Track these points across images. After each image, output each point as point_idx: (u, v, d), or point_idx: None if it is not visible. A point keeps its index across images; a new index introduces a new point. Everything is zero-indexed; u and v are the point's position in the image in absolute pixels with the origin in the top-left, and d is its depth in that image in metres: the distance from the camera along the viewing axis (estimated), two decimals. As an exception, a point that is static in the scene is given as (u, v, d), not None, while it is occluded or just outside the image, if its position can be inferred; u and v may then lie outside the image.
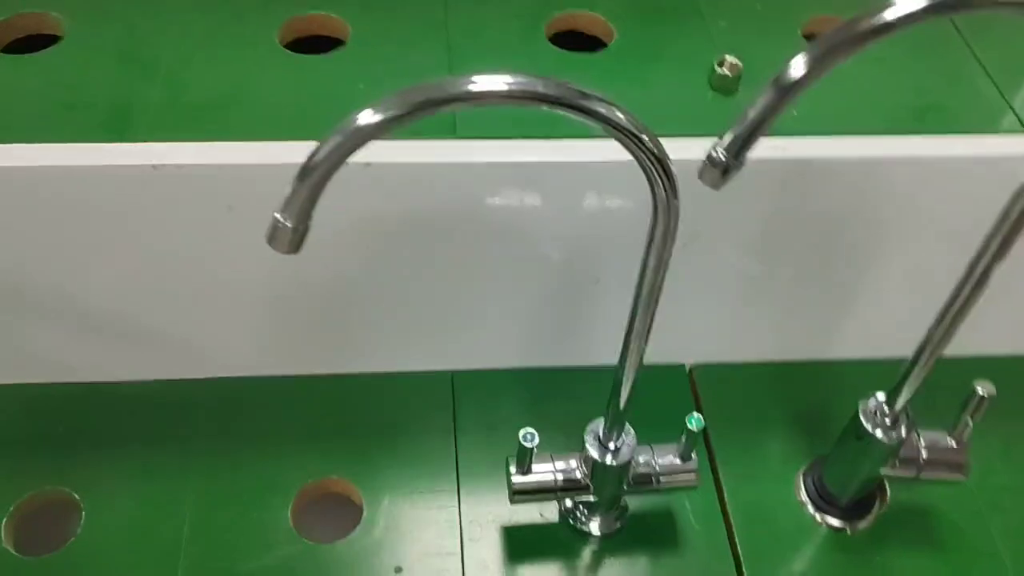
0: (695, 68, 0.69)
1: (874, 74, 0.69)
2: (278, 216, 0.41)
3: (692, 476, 0.63)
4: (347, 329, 0.73)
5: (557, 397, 0.75)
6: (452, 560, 0.65)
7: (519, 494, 0.62)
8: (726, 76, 0.66)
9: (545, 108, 0.40)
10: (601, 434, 0.61)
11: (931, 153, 0.65)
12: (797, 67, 0.38)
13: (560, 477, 0.62)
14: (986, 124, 0.67)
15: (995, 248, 0.51)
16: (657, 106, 0.65)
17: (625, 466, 0.61)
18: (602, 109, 0.41)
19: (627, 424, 0.60)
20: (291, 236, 0.41)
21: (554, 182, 0.63)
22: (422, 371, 0.75)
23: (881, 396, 0.62)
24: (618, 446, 0.60)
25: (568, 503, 0.67)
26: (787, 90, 0.38)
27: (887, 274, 0.73)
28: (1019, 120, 0.68)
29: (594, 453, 0.60)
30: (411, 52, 0.68)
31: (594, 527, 0.67)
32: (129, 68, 0.65)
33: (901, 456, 0.63)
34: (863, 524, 0.69)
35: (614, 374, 0.56)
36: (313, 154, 0.39)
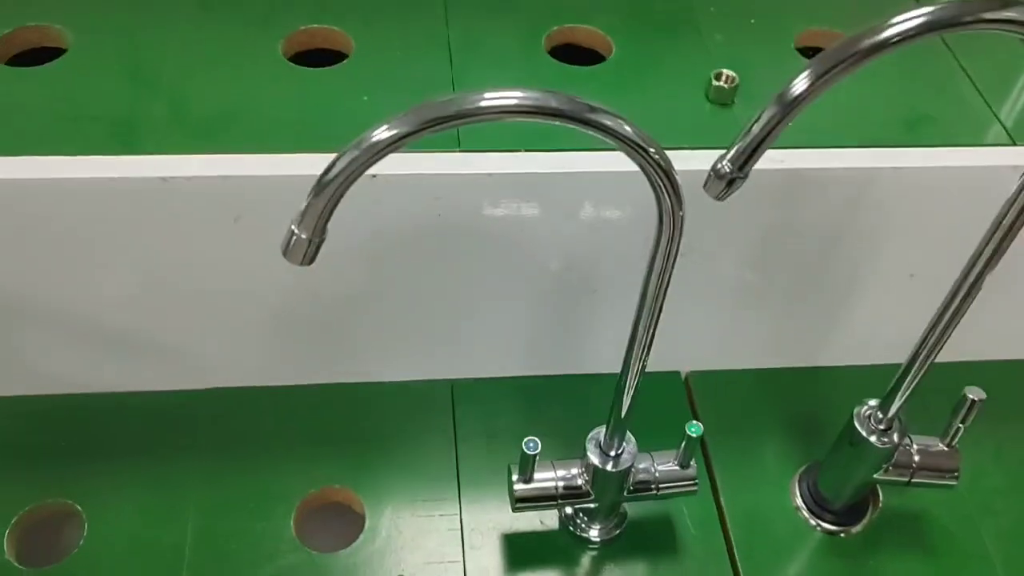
0: (692, 81, 0.70)
1: (866, 87, 0.71)
2: (294, 228, 0.42)
3: (692, 483, 0.64)
4: (347, 338, 0.73)
5: (556, 404, 0.76)
6: (454, 568, 0.65)
7: (522, 502, 0.63)
8: (723, 89, 0.67)
9: (556, 122, 0.41)
10: (602, 441, 0.61)
11: (921, 164, 0.66)
12: (799, 84, 0.39)
13: (561, 484, 0.63)
14: (974, 135, 0.69)
15: (987, 257, 0.53)
16: (656, 118, 0.67)
17: (626, 473, 0.62)
18: (609, 122, 0.42)
19: (628, 432, 0.61)
20: (306, 248, 0.42)
21: (554, 193, 0.64)
22: (423, 380, 0.76)
23: (874, 403, 0.63)
24: (619, 453, 0.61)
25: (568, 510, 0.68)
26: (790, 106, 0.40)
27: (879, 282, 0.74)
28: (1006, 131, 0.70)
29: (595, 460, 0.61)
30: (414, 65, 0.69)
31: (594, 533, 0.68)
32: (134, 81, 0.66)
33: (894, 461, 0.65)
34: (857, 528, 0.70)
35: (616, 382, 0.57)
36: (329, 168, 0.40)
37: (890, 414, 0.62)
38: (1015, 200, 0.50)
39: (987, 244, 0.52)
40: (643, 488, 0.64)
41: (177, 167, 0.60)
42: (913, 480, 0.65)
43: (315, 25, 0.71)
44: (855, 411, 0.64)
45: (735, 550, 0.68)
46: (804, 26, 0.76)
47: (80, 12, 0.71)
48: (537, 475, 0.63)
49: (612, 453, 0.61)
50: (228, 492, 0.68)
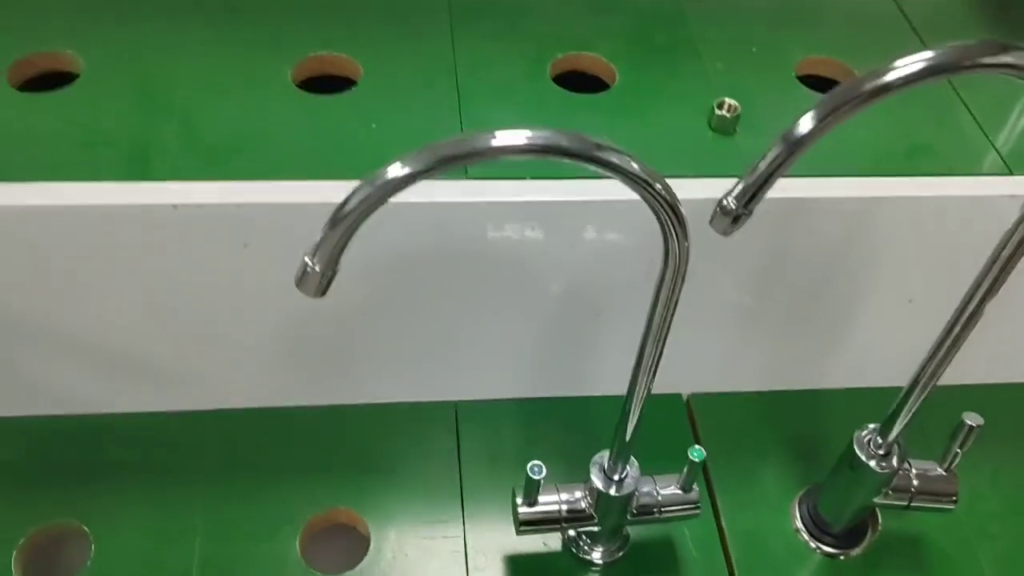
0: (694, 109, 0.71)
1: (866, 117, 0.71)
2: (307, 261, 0.42)
3: (694, 507, 0.65)
4: (353, 361, 0.74)
5: (558, 426, 0.76)
6: (459, 589, 0.66)
7: (526, 525, 0.64)
8: (725, 117, 0.68)
9: (565, 161, 0.42)
10: (606, 465, 0.62)
11: (920, 193, 0.67)
12: (804, 124, 0.41)
13: (565, 508, 0.64)
14: (972, 165, 0.70)
15: (987, 287, 0.53)
16: (659, 146, 0.68)
17: (629, 497, 0.63)
18: (616, 159, 0.43)
19: (631, 456, 0.62)
20: (319, 280, 0.43)
21: (559, 220, 0.65)
22: (426, 401, 0.76)
23: (874, 427, 0.64)
24: (622, 477, 0.62)
25: (571, 532, 0.69)
26: (795, 145, 0.41)
27: (877, 307, 0.75)
28: (1003, 161, 0.71)
29: (599, 484, 0.62)
30: (422, 92, 0.70)
31: (596, 556, 0.69)
32: (145, 107, 0.67)
33: (893, 485, 0.65)
34: (856, 551, 0.71)
35: (620, 406, 0.58)
36: (344, 203, 0.41)
37: (890, 439, 0.63)
38: (1015, 232, 0.51)
39: (987, 274, 0.53)
40: (646, 512, 0.65)
41: (188, 194, 0.60)
42: (912, 504, 0.66)
43: (324, 52, 0.72)
44: (855, 435, 0.65)
45: (736, 572, 0.68)
46: (804, 54, 0.77)
47: (92, 37, 0.71)
48: (541, 498, 0.63)
49: (615, 477, 0.62)
50: (234, 513, 0.68)
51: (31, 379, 0.70)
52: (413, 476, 0.72)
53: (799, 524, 0.72)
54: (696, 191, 0.62)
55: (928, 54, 0.39)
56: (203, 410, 0.74)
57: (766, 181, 0.42)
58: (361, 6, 0.77)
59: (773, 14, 0.81)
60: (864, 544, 0.71)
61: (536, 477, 0.61)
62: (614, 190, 0.64)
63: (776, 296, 0.73)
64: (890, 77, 0.39)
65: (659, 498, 0.64)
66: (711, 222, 0.44)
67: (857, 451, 0.64)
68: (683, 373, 0.77)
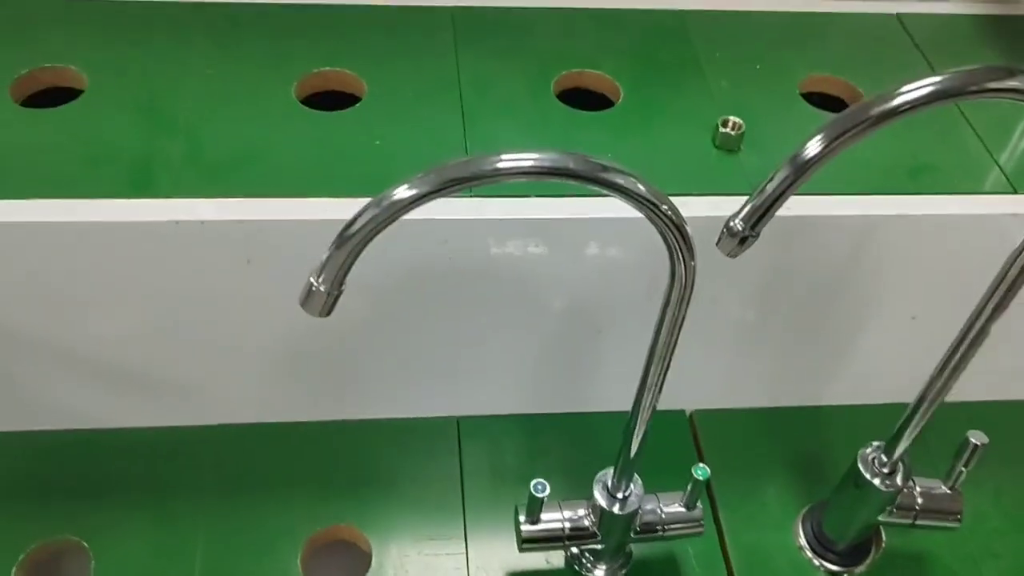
0: (699, 126, 0.71)
1: (870, 136, 0.72)
2: (313, 281, 0.42)
3: (698, 525, 0.65)
4: (355, 376, 0.74)
5: (560, 442, 0.76)
6: (461, 607, 0.66)
7: (528, 542, 0.63)
8: (729, 135, 0.68)
9: (571, 183, 0.42)
10: (610, 483, 0.62)
11: (923, 212, 0.67)
12: (811, 147, 0.41)
13: (568, 526, 0.63)
14: (976, 183, 0.70)
15: (992, 308, 0.53)
16: (663, 164, 0.68)
17: (632, 515, 0.62)
18: (622, 181, 0.43)
19: (635, 473, 0.62)
20: (324, 300, 0.43)
21: (562, 237, 0.65)
22: (429, 417, 0.76)
23: (878, 444, 0.64)
24: (626, 495, 0.62)
25: (574, 550, 0.69)
26: (801, 168, 0.41)
27: (881, 325, 0.75)
28: (1007, 179, 0.71)
29: (602, 502, 0.62)
30: (425, 108, 0.70)
31: (599, 573, 0.68)
32: (149, 122, 0.67)
33: (898, 503, 0.65)
34: (860, 569, 0.70)
35: (623, 423, 0.58)
36: (350, 224, 0.41)
37: (894, 457, 0.63)
38: (1021, 251, 0.51)
39: (993, 293, 0.53)
40: (649, 530, 0.64)
41: (190, 211, 0.60)
42: (916, 522, 0.66)
43: (328, 68, 0.72)
44: (859, 453, 0.65)
45: (739, 590, 0.68)
46: (808, 72, 0.77)
47: (96, 53, 0.72)
48: (544, 516, 0.63)
49: (619, 495, 0.62)
50: (235, 529, 0.68)
51: (32, 394, 0.70)
52: (415, 492, 0.72)
53: (803, 541, 0.71)
54: (700, 209, 0.62)
55: (935, 79, 0.39)
56: (205, 425, 0.74)
57: (773, 203, 0.42)
58: (365, 22, 0.77)
59: (777, 32, 0.82)
60: (868, 562, 0.71)
61: (540, 495, 0.60)
62: (616, 208, 0.63)
63: (780, 313, 0.73)
64: (897, 102, 0.40)
65: (663, 516, 0.64)
66: (718, 243, 0.44)
67: (862, 469, 0.64)
68: (687, 389, 0.77)
